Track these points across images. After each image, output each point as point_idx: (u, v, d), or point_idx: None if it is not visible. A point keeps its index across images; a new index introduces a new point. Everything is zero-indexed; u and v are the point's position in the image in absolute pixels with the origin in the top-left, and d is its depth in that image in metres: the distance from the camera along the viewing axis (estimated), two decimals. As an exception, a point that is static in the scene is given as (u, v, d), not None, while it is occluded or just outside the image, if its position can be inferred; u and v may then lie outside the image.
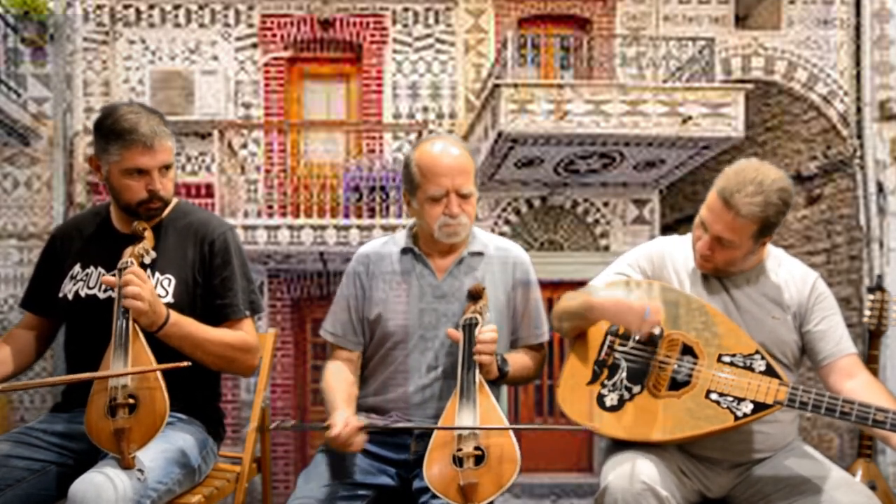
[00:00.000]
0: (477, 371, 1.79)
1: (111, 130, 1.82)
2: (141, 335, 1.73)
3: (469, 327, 1.82)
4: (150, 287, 1.75)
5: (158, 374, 1.67)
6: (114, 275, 1.78)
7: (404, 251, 1.99)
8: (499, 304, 1.96)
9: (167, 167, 1.87)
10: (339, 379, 1.93)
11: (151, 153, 1.82)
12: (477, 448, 1.67)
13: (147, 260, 1.84)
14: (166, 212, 1.98)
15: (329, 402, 1.86)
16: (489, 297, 1.91)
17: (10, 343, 1.96)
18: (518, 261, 2.01)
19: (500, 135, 6.07)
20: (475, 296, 1.88)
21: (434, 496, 1.67)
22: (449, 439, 1.71)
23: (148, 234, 1.86)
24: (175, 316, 1.80)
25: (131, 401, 1.63)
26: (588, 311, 1.85)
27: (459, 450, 1.67)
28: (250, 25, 7.17)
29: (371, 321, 1.97)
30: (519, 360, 1.97)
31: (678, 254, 1.95)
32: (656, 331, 1.78)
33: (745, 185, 1.75)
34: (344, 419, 1.73)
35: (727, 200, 1.76)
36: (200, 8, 7.14)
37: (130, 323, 1.72)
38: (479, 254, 1.99)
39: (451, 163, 1.89)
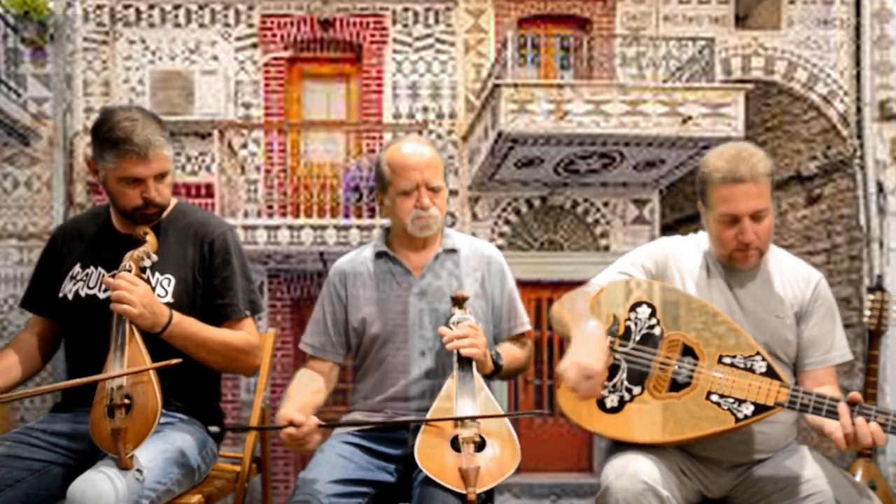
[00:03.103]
0: (474, 364, 1.82)
1: (106, 138, 1.82)
2: (137, 336, 1.72)
3: (459, 325, 1.86)
4: (142, 291, 1.75)
5: (152, 372, 1.67)
6: (114, 276, 1.78)
7: (378, 255, 2.04)
8: (476, 300, 1.99)
9: (163, 175, 1.87)
10: (300, 388, 1.95)
11: (146, 163, 1.82)
12: (478, 435, 1.68)
13: (147, 264, 1.84)
14: (165, 213, 1.98)
15: (281, 407, 1.88)
16: (467, 294, 1.95)
17: (16, 349, 1.96)
18: (493, 256, 2.07)
19: (500, 135, 6.07)
20: (459, 302, 1.91)
21: (429, 483, 1.65)
22: (446, 425, 1.72)
23: (150, 238, 1.86)
24: (177, 317, 1.80)
25: (127, 401, 1.64)
26: (569, 332, 1.84)
27: (459, 434, 1.67)
28: (250, 25, 7.18)
29: (355, 327, 2.01)
30: (509, 353, 2.01)
31: (682, 254, 1.95)
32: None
33: (739, 155, 1.80)
34: (299, 419, 1.73)
35: (739, 177, 1.77)
36: (200, 8, 7.14)
37: (127, 325, 1.72)
38: (454, 251, 2.04)
39: (420, 158, 1.95)
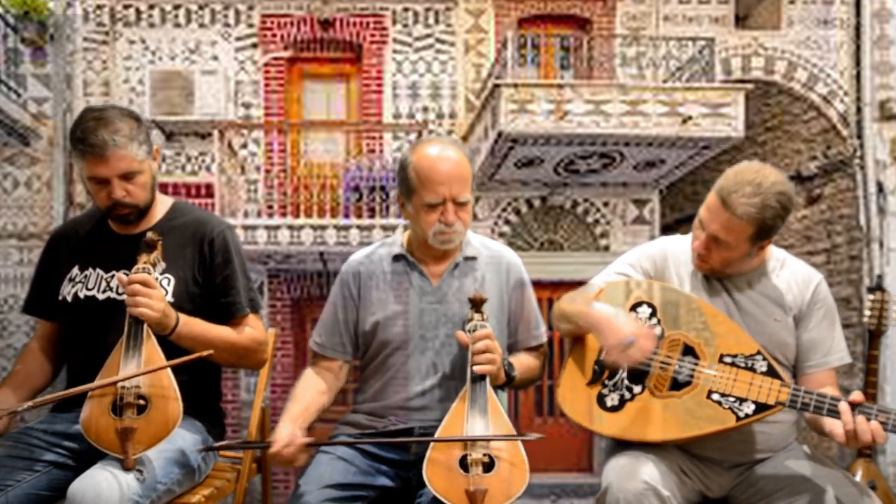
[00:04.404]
0: (487, 379, 1.77)
1: (71, 137, 1.82)
2: (153, 337, 1.72)
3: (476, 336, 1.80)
4: (160, 294, 1.74)
5: (172, 378, 1.67)
6: (127, 275, 1.76)
7: (397, 258, 1.98)
8: (494, 308, 1.94)
9: (129, 175, 1.83)
10: (306, 388, 1.92)
11: (104, 163, 1.79)
12: (487, 455, 1.65)
13: (159, 270, 1.83)
14: (164, 213, 1.97)
15: (284, 411, 1.85)
16: (485, 296, 1.89)
17: (28, 358, 1.96)
18: (512, 264, 2.01)
19: (500, 135, 6.07)
20: (477, 304, 1.86)
21: (436, 503, 1.63)
22: (455, 443, 1.69)
23: (159, 244, 1.85)
24: (184, 318, 1.80)
25: (141, 402, 1.63)
26: (581, 321, 1.84)
27: (468, 455, 1.65)
28: (250, 25, 7.17)
29: (366, 330, 1.95)
30: (523, 364, 1.96)
31: (680, 254, 1.94)
32: (642, 359, 1.74)
33: (742, 186, 1.75)
34: (288, 436, 1.72)
35: (724, 200, 1.76)
36: (200, 8, 7.14)
37: (144, 326, 1.71)
38: (473, 258, 1.98)
39: (449, 170, 1.84)
